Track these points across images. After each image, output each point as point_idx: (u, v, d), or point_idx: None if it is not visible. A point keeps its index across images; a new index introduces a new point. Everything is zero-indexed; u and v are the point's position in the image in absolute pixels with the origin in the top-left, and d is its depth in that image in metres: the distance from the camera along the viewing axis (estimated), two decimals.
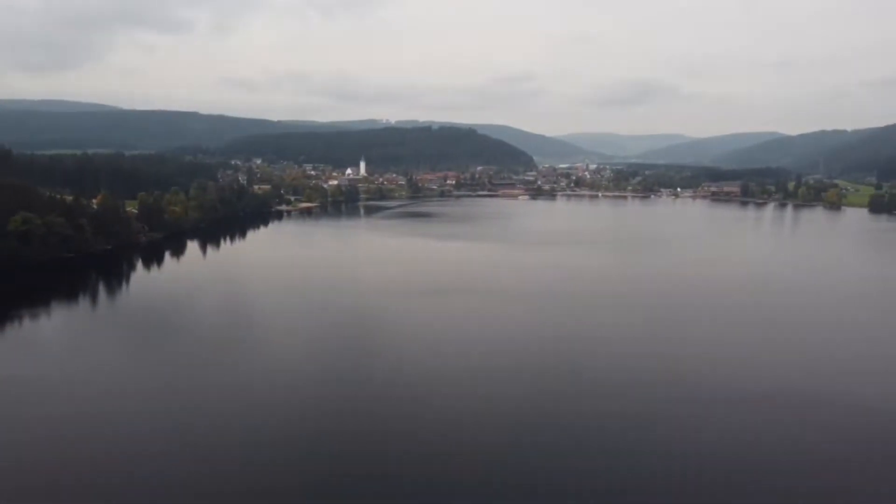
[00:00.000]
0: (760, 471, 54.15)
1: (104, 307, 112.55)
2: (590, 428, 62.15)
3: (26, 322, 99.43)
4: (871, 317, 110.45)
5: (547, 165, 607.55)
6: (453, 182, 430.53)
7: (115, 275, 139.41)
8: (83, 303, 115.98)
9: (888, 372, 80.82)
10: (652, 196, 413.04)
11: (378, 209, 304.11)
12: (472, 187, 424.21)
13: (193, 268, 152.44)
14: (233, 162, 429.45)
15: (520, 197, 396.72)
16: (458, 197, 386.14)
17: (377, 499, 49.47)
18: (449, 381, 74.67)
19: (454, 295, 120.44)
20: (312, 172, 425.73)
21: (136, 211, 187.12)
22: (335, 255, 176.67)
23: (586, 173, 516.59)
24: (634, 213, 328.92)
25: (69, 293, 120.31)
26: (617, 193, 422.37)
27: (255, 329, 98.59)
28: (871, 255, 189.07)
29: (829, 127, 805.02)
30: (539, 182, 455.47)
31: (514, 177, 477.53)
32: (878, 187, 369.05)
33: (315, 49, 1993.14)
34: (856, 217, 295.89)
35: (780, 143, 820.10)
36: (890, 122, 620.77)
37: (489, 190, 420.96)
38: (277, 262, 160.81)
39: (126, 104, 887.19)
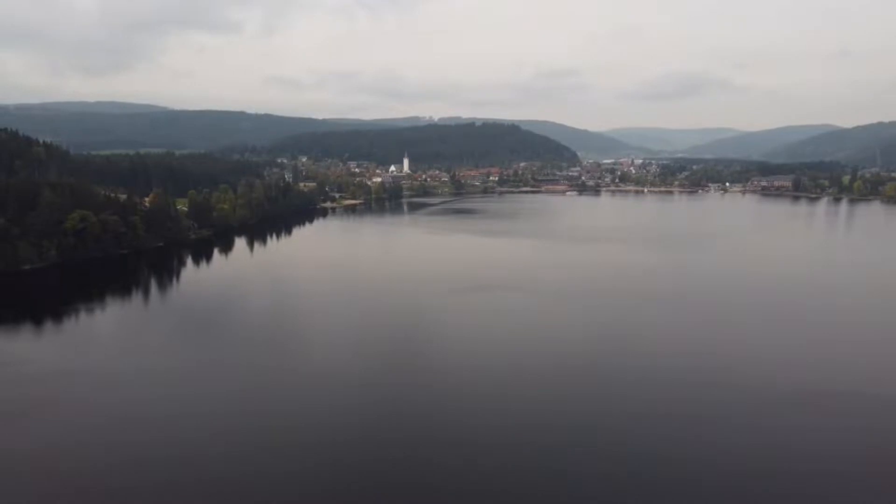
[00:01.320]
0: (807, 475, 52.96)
1: (156, 302, 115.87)
2: (629, 428, 61.35)
3: (83, 317, 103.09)
4: None
5: (591, 161, 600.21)
6: (496, 178, 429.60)
7: (167, 270, 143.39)
8: (136, 298, 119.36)
9: None
10: (699, 191, 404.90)
11: (421, 206, 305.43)
12: (515, 183, 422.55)
13: (241, 264, 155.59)
14: (279, 160, 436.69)
15: (567, 193, 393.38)
16: (502, 193, 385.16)
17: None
18: (490, 380, 74.26)
19: (498, 292, 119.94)
20: (356, 170, 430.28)
21: (185, 209, 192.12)
22: (379, 251, 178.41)
23: (631, 168, 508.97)
24: (681, 209, 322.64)
25: (123, 288, 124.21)
26: (663, 189, 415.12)
27: (300, 326, 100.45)
28: None
29: (886, 118, 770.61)
30: (583, 178, 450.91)
31: (558, 172, 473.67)
32: None
33: (361, 48, 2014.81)
34: None
35: (835, 136, 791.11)
36: None
37: (532, 186, 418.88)
38: (322, 259, 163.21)
39: (177, 105, 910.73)
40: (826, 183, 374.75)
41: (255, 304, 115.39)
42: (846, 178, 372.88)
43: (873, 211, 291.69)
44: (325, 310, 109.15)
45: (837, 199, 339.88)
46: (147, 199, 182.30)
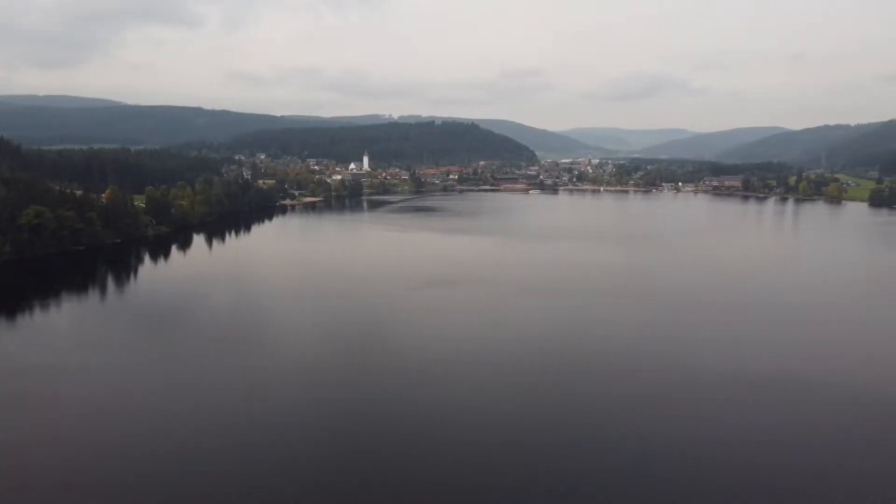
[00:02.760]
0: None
1: (113, 299, 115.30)
2: (604, 423, 63.95)
3: (38, 314, 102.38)
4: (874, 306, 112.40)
5: (549, 160, 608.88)
6: (456, 177, 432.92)
7: (125, 267, 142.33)
8: (93, 295, 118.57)
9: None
10: (653, 190, 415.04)
11: (381, 204, 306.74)
12: (474, 182, 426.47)
13: (199, 261, 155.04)
14: (237, 157, 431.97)
15: (530, 191, 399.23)
16: (462, 192, 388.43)
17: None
18: (452, 377, 75.57)
19: (459, 288, 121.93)
20: (316, 167, 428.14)
21: (143, 205, 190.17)
22: (339, 249, 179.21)
23: (588, 168, 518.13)
24: (635, 208, 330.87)
25: (80, 285, 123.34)
26: (619, 188, 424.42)
27: (260, 324, 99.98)
28: (872, 247, 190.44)
29: (833, 122, 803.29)
30: (541, 177, 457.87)
31: (517, 171, 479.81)
32: (880, 182, 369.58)
33: (324, 44, 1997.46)
34: (856, 211, 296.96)
35: (784, 137, 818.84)
36: (893, 117, 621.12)
37: (492, 185, 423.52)
38: (282, 257, 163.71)
39: (131, 99, 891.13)
40: (773, 183, 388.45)
41: (216, 301, 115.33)
42: (792, 179, 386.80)
43: (817, 210, 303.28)
44: (287, 308, 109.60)
45: (784, 199, 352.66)
46: (104, 195, 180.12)
